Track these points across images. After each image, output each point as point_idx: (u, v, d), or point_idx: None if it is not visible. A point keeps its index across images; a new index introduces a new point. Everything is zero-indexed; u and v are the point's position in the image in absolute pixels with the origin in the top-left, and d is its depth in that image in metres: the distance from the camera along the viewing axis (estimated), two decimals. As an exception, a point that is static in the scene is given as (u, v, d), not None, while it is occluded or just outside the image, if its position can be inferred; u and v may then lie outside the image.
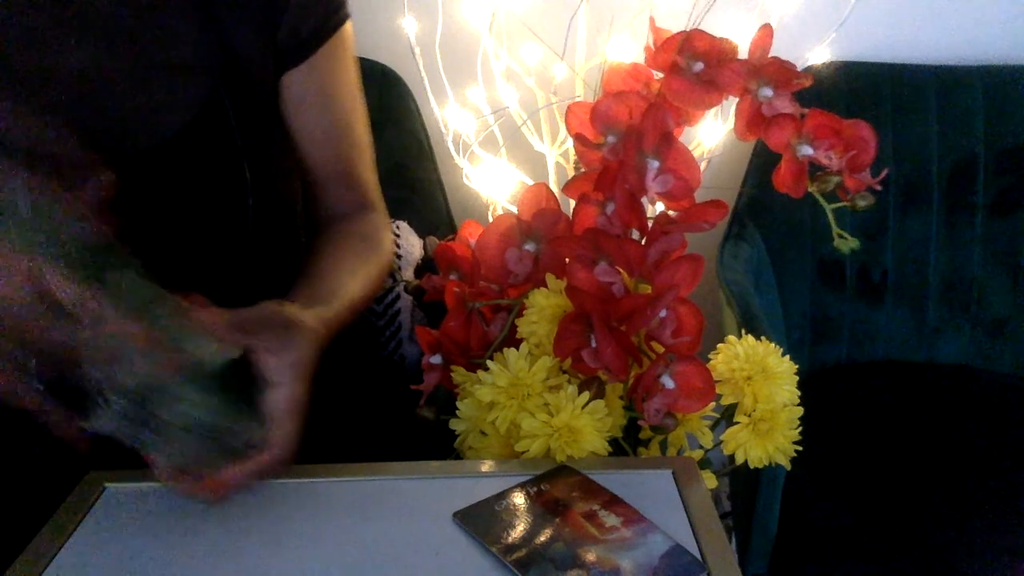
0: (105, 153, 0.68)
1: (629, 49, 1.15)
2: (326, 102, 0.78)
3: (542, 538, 0.52)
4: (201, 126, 0.70)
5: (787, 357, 0.71)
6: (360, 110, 0.82)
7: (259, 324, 0.56)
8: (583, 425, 0.62)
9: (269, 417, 0.54)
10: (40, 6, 0.65)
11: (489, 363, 0.67)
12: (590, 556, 0.50)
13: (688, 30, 0.70)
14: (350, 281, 0.72)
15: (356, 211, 0.82)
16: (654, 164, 0.68)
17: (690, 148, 0.71)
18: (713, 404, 0.68)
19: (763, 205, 1.36)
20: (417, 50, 1.24)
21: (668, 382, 0.65)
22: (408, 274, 1.01)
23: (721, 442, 0.70)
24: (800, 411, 0.70)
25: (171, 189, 0.70)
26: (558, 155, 1.26)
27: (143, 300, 0.51)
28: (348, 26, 0.78)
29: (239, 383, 0.54)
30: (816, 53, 1.33)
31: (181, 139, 0.70)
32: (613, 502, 0.55)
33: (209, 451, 0.53)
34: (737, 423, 0.69)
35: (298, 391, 0.55)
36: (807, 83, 0.70)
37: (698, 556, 0.51)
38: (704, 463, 0.71)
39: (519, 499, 0.55)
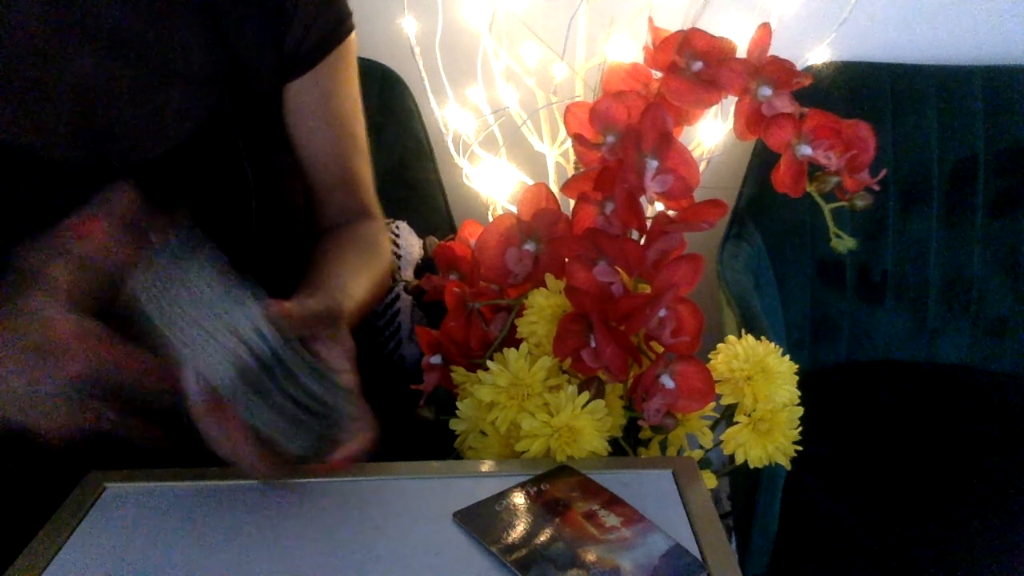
0: (110, 162, 0.68)
1: (629, 49, 1.15)
2: (330, 111, 0.78)
3: (542, 538, 0.52)
4: (206, 135, 0.70)
5: (787, 357, 0.71)
6: (361, 118, 0.82)
7: (327, 315, 0.57)
8: (583, 425, 0.62)
9: (350, 399, 0.55)
10: (47, 15, 0.65)
11: (489, 363, 0.67)
12: (590, 556, 0.50)
13: (687, 30, 0.70)
14: (356, 284, 0.72)
15: (357, 218, 0.83)
16: (653, 164, 0.68)
17: (690, 148, 0.71)
18: (713, 404, 0.68)
19: (763, 205, 1.36)
20: (417, 50, 1.24)
21: (668, 382, 0.65)
22: (408, 274, 1.01)
23: (721, 442, 0.70)
24: (800, 411, 0.70)
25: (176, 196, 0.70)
26: (558, 155, 1.26)
27: (218, 309, 0.52)
28: (352, 37, 0.79)
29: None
30: (816, 53, 1.33)
31: (186, 148, 0.70)
32: (613, 502, 0.55)
33: (315, 430, 0.53)
34: (737, 423, 0.69)
35: (356, 377, 0.57)
36: (807, 83, 0.70)
37: (698, 556, 0.51)
38: (704, 463, 0.71)
39: (519, 499, 0.55)
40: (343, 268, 0.74)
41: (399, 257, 1.02)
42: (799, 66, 1.24)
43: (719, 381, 0.69)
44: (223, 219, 0.74)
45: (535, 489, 0.57)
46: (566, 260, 0.71)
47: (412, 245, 1.05)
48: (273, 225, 0.77)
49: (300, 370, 0.53)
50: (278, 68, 0.74)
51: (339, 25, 0.77)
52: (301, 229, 0.85)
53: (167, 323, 0.50)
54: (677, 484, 0.58)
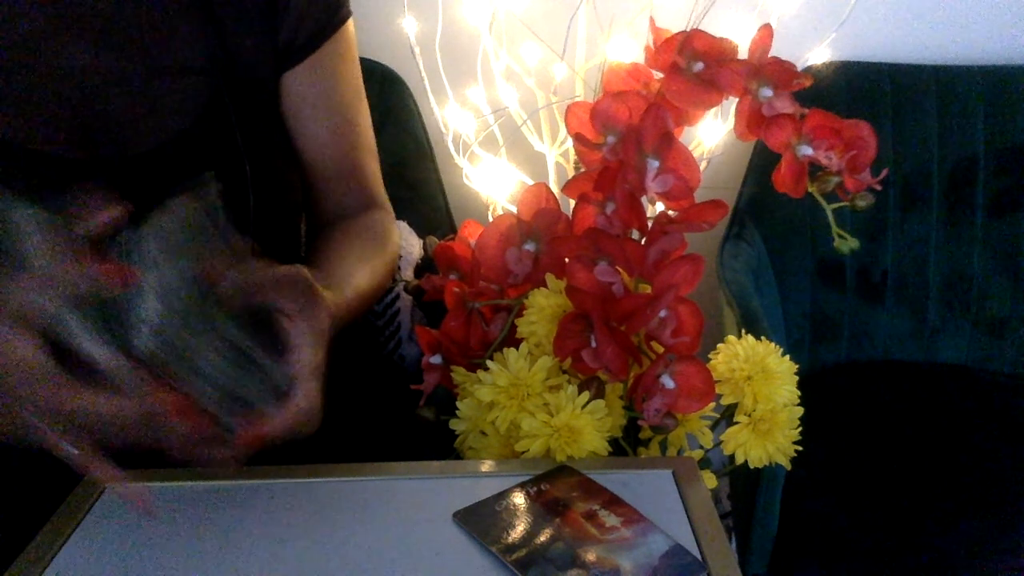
0: (106, 155, 0.68)
1: (629, 49, 1.15)
2: (329, 101, 0.78)
3: (542, 538, 0.52)
4: (202, 127, 0.70)
5: (787, 357, 0.71)
6: (363, 109, 0.82)
7: (290, 286, 0.54)
8: (583, 425, 0.62)
9: (291, 376, 0.53)
10: (41, 8, 0.65)
11: (489, 363, 0.67)
12: (590, 556, 0.50)
13: (688, 30, 0.70)
14: (358, 273, 0.72)
15: (362, 209, 0.82)
16: (654, 164, 0.68)
17: (690, 148, 0.71)
18: (713, 404, 0.68)
19: (763, 205, 1.36)
20: (417, 50, 1.24)
21: (668, 382, 0.65)
22: (408, 274, 1.01)
23: (721, 442, 0.70)
24: (800, 411, 0.70)
25: (189, 188, 0.70)
26: (558, 155, 1.26)
27: (180, 251, 0.49)
28: (349, 25, 0.78)
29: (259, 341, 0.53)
30: (816, 53, 1.33)
31: (182, 140, 0.70)
32: (613, 502, 0.55)
33: (235, 391, 0.51)
34: (737, 423, 0.69)
35: (318, 356, 0.53)
36: (807, 83, 0.70)
37: (698, 556, 0.51)
38: (704, 463, 0.71)
39: (519, 499, 0.55)
40: (344, 258, 0.74)
41: (399, 257, 1.02)
42: (799, 66, 1.24)
43: (719, 381, 0.69)
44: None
45: (535, 489, 0.57)
46: (566, 260, 0.71)
47: (412, 245, 1.05)
48: (271, 219, 0.77)
49: (213, 341, 0.50)
50: (274, 58, 0.74)
51: (335, 13, 0.76)
52: (300, 223, 0.85)
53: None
54: (677, 484, 0.58)
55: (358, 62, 0.81)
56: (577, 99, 1.03)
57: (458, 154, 1.27)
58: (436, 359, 0.75)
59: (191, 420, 0.49)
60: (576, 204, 0.73)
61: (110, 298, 0.48)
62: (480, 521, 0.53)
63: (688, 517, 0.55)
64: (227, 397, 0.51)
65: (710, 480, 0.68)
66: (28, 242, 0.47)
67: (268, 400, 0.52)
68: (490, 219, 1.13)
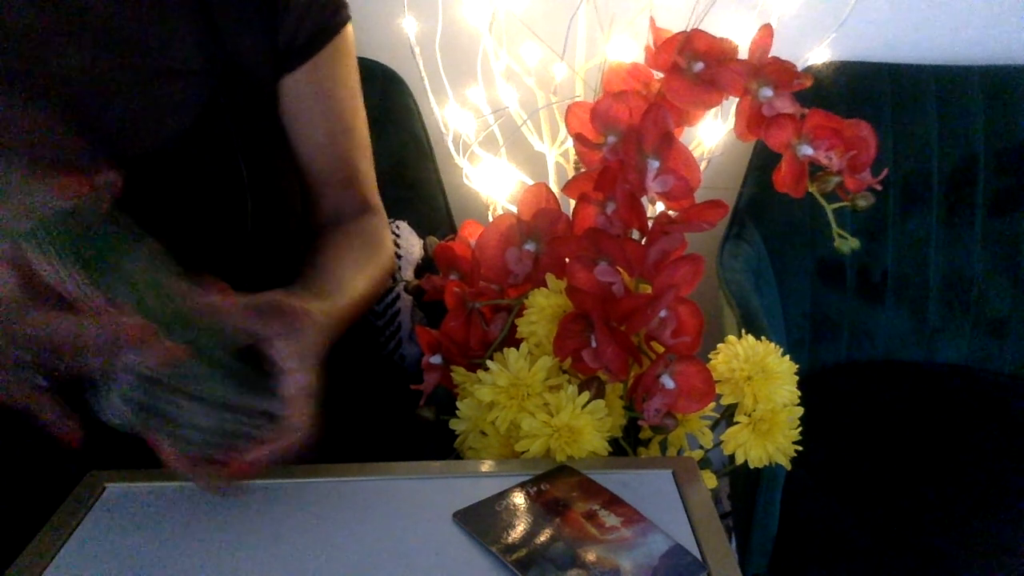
0: (103, 156, 0.68)
1: (629, 49, 1.15)
2: (326, 105, 0.78)
3: (542, 538, 0.52)
4: (200, 130, 0.70)
5: (787, 357, 0.71)
6: (361, 112, 0.82)
7: (268, 311, 0.55)
8: (583, 425, 0.62)
9: (284, 401, 0.53)
10: (39, 9, 0.65)
11: (489, 363, 0.67)
12: (590, 556, 0.50)
13: (688, 30, 0.70)
14: (353, 278, 0.72)
15: (357, 213, 0.82)
16: (654, 164, 0.68)
17: (690, 148, 0.71)
18: (713, 404, 0.68)
19: (763, 205, 1.36)
20: (417, 50, 1.24)
21: (668, 382, 0.65)
22: (408, 274, 1.01)
23: (721, 442, 0.70)
24: (800, 411, 0.70)
25: (170, 192, 0.70)
26: (558, 155, 1.26)
27: (151, 283, 0.50)
28: (348, 28, 0.78)
29: (251, 370, 0.54)
30: (816, 53, 1.33)
31: (180, 143, 0.70)
32: (613, 502, 0.55)
33: (224, 432, 0.52)
34: (737, 423, 0.69)
35: (308, 379, 0.54)
36: (807, 83, 0.70)
37: (698, 556, 0.51)
38: (704, 463, 0.71)
39: (519, 499, 0.55)
40: (340, 264, 0.74)
41: (399, 257, 1.02)
42: (799, 66, 1.24)
43: (719, 381, 0.69)
44: (218, 216, 0.73)
45: (535, 489, 0.57)
46: (567, 260, 0.71)
47: (412, 245, 1.05)
48: (269, 223, 0.77)
49: (199, 376, 0.51)
50: (272, 62, 0.74)
51: (334, 16, 0.76)
52: (297, 227, 0.85)
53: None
54: (677, 484, 0.58)
55: (356, 65, 0.81)
56: (577, 99, 1.03)
57: (458, 154, 1.27)
58: (436, 359, 0.75)
59: (149, 344, 0.49)
60: (576, 204, 0.73)
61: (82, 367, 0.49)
62: (480, 521, 0.53)
63: (688, 517, 0.55)
64: (216, 435, 0.52)
65: (710, 480, 0.68)
66: None
67: (262, 428, 0.53)
68: (490, 219, 1.13)
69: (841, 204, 0.69)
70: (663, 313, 0.65)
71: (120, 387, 0.49)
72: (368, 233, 0.81)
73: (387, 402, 0.88)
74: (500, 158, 1.27)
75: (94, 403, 0.50)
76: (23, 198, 0.48)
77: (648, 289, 0.68)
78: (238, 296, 0.55)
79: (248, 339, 0.53)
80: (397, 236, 1.05)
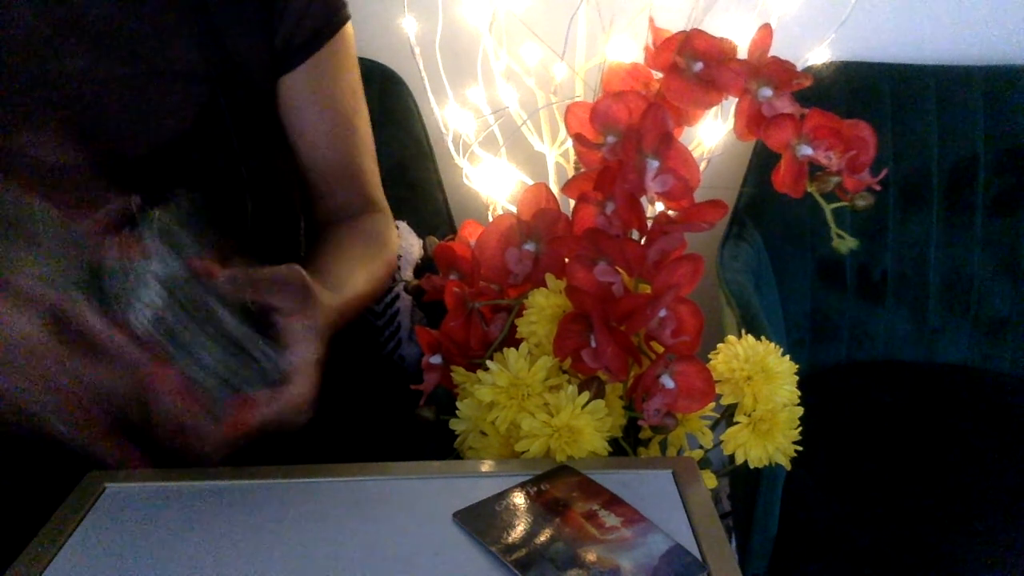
0: (103, 158, 0.68)
1: (629, 49, 1.15)
2: (327, 104, 0.78)
3: (542, 538, 0.52)
4: (199, 131, 0.70)
5: (787, 357, 0.71)
6: (362, 111, 0.82)
7: (286, 285, 0.55)
8: (583, 425, 0.62)
9: (288, 367, 0.54)
10: (39, 12, 0.65)
11: (489, 363, 0.67)
12: (590, 556, 0.50)
13: (688, 30, 0.70)
14: (356, 274, 0.72)
15: (360, 211, 0.82)
16: (654, 164, 0.68)
17: (690, 148, 0.71)
18: (713, 404, 0.68)
19: (763, 205, 1.36)
20: (417, 50, 1.24)
21: (668, 382, 0.65)
22: (408, 274, 1.01)
23: (721, 442, 0.70)
24: (800, 411, 0.70)
25: (169, 193, 0.70)
26: (558, 155, 1.26)
27: (178, 253, 0.51)
28: (348, 28, 0.78)
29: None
30: (816, 53, 1.33)
31: (180, 144, 0.70)
32: (613, 502, 0.55)
33: (229, 375, 0.52)
34: (737, 423, 0.69)
35: (315, 353, 0.54)
36: (807, 83, 0.70)
37: (698, 556, 0.51)
38: (704, 463, 0.71)
39: (519, 499, 0.55)
40: (342, 260, 0.74)
41: (399, 257, 1.02)
42: (799, 66, 1.24)
43: (719, 381, 0.69)
44: (217, 216, 0.73)
45: (535, 489, 0.57)
46: (566, 260, 0.71)
47: (412, 245, 1.05)
48: (269, 223, 0.77)
49: (210, 330, 0.51)
50: (271, 62, 0.74)
51: (332, 16, 0.76)
52: (299, 225, 0.85)
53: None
54: (677, 484, 0.58)
55: (357, 65, 0.81)
56: (577, 99, 1.03)
57: (458, 154, 1.27)
58: (436, 359, 0.75)
59: (182, 396, 0.49)
60: (576, 204, 0.73)
61: (113, 277, 0.49)
62: (480, 521, 0.53)
63: (688, 517, 0.55)
64: (220, 382, 0.52)
65: (710, 480, 0.68)
66: (36, 224, 0.48)
67: (260, 388, 0.53)
68: (490, 219, 1.13)
69: (840, 204, 0.69)
70: (663, 313, 0.65)
71: (146, 297, 0.50)
72: (371, 230, 0.81)
73: (387, 402, 0.88)
74: (500, 158, 1.27)
75: (118, 305, 0.49)
76: (62, 246, 0.49)
77: (648, 289, 0.68)
78: (254, 267, 0.55)
79: (263, 306, 0.54)
80: (397, 236, 1.05)
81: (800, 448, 0.69)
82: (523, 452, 0.63)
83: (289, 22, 0.73)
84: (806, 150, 0.68)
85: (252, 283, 0.54)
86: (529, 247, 0.74)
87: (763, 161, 1.37)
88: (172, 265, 0.51)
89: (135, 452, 0.52)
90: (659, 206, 0.72)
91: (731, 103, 0.71)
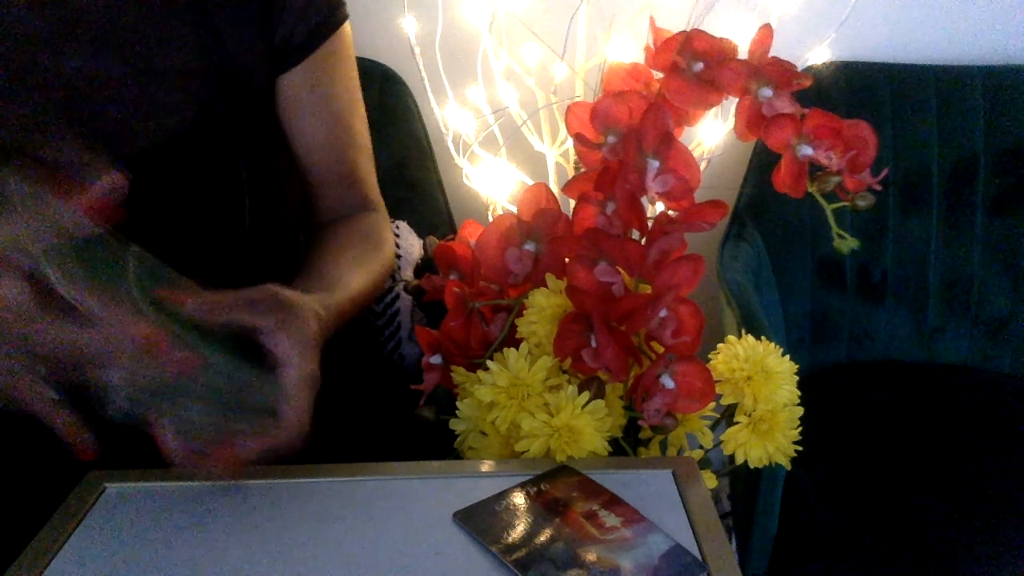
0: (102, 157, 0.68)
1: (629, 49, 1.15)
2: (325, 103, 0.78)
3: (542, 538, 0.52)
4: (198, 129, 0.70)
5: (787, 357, 0.71)
6: (360, 111, 0.82)
7: (264, 303, 0.55)
8: (583, 425, 0.62)
9: (281, 393, 0.53)
10: (37, 10, 0.65)
11: (489, 363, 0.67)
12: (590, 556, 0.50)
13: (688, 30, 0.70)
14: (351, 274, 0.72)
15: (357, 211, 0.82)
16: (654, 164, 0.68)
17: (690, 148, 0.71)
18: (713, 404, 0.68)
19: (763, 205, 1.36)
20: (417, 50, 1.24)
21: (668, 382, 0.65)
22: (408, 274, 1.01)
23: (721, 442, 0.70)
24: (800, 411, 0.70)
25: (168, 191, 0.70)
26: (558, 155, 1.26)
27: (147, 290, 0.50)
28: (346, 27, 0.78)
29: (250, 364, 0.54)
30: (816, 53, 1.33)
31: (177, 142, 0.70)
32: (613, 502, 0.55)
33: (225, 428, 0.52)
34: (737, 423, 0.69)
35: (308, 369, 0.54)
36: (807, 83, 0.70)
37: (698, 556, 0.51)
38: (704, 463, 0.71)
39: (519, 499, 0.55)
40: (338, 260, 0.74)
41: (399, 257, 1.02)
42: (799, 66, 1.25)
43: (719, 381, 0.69)
44: (216, 215, 0.74)
45: (535, 489, 0.57)
46: (567, 260, 0.71)
47: (412, 245, 1.05)
48: (267, 222, 0.77)
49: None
50: (269, 61, 0.74)
51: (331, 15, 0.76)
52: (296, 226, 0.85)
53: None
54: (677, 484, 0.58)
55: (355, 64, 0.81)
56: (577, 99, 1.03)
57: (458, 154, 1.27)
58: (436, 359, 0.75)
59: (164, 354, 0.49)
60: (576, 204, 0.73)
61: (91, 249, 0.49)
62: (480, 521, 0.53)
63: (688, 517, 0.55)
64: (213, 425, 0.52)
65: (710, 480, 0.68)
66: (12, 190, 0.48)
67: (260, 419, 0.53)
68: (490, 219, 1.13)
69: (841, 204, 0.69)
70: (663, 313, 0.65)
71: (124, 387, 0.50)
72: (368, 230, 0.81)
73: (387, 402, 0.88)
74: (500, 158, 1.27)
75: (95, 398, 0.50)
76: (37, 212, 0.48)
77: (648, 289, 0.68)
78: (233, 290, 0.55)
79: (245, 331, 0.53)
80: (397, 236, 1.05)
81: (800, 448, 0.69)
82: (523, 452, 0.63)
83: (288, 21, 0.73)
84: (806, 150, 0.68)
85: (221, 307, 0.53)
86: (529, 247, 0.74)
87: (763, 161, 1.37)
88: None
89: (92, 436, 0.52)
90: (659, 206, 0.72)
91: (731, 103, 0.71)
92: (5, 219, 0.48)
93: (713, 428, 0.72)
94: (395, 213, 1.01)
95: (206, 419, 0.52)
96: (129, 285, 0.50)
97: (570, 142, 1.10)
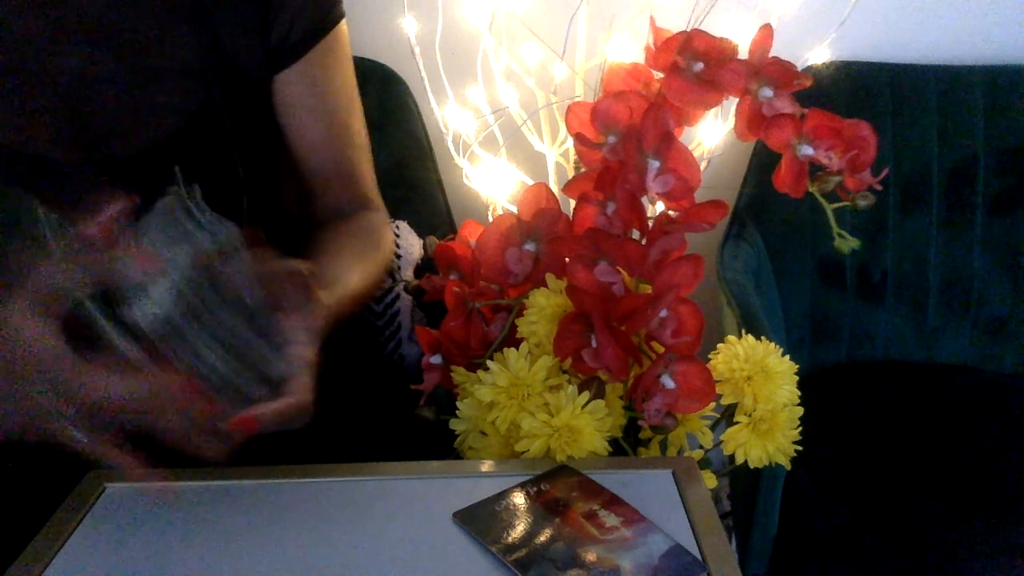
0: (99, 156, 0.68)
1: (629, 49, 1.15)
2: (321, 102, 0.78)
3: (542, 538, 0.52)
4: (195, 128, 0.70)
5: (787, 357, 0.71)
6: (357, 110, 0.82)
7: (288, 279, 0.56)
8: (583, 425, 0.62)
9: (286, 368, 0.54)
10: (34, 10, 0.65)
11: (489, 363, 0.67)
12: (590, 556, 0.50)
13: (688, 30, 0.70)
14: (350, 272, 0.72)
15: (355, 210, 0.82)
16: (654, 164, 0.68)
17: (690, 148, 0.71)
18: (713, 404, 0.68)
19: (763, 205, 1.36)
20: (417, 50, 1.24)
21: (668, 382, 0.65)
22: (408, 274, 1.01)
23: (721, 442, 0.70)
24: (800, 411, 0.70)
25: (166, 191, 0.70)
26: (558, 155, 1.26)
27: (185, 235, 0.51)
28: (342, 26, 0.78)
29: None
30: (816, 53, 1.33)
31: (175, 141, 0.70)
32: (613, 502, 0.55)
33: (232, 377, 0.52)
34: (737, 423, 0.69)
35: (313, 353, 0.54)
36: (807, 83, 0.70)
37: (698, 556, 0.51)
38: (704, 463, 0.71)
39: (519, 499, 0.55)
40: (336, 258, 0.74)
41: (399, 257, 1.02)
42: (799, 66, 1.24)
43: (719, 381, 0.69)
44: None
45: (535, 489, 0.57)
46: (567, 260, 0.71)
47: (412, 245, 1.05)
48: (265, 221, 0.77)
49: (222, 322, 0.52)
50: (265, 60, 0.74)
51: (327, 14, 0.76)
52: (293, 227, 0.85)
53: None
54: (677, 484, 0.58)
55: (352, 63, 0.81)
56: (577, 99, 1.03)
57: (458, 154, 1.27)
58: (436, 359, 0.75)
59: (195, 402, 0.49)
60: (576, 204, 0.73)
61: (121, 285, 0.49)
62: (480, 521, 0.53)
63: (688, 517, 0.55)
64: (224, 384, 0.52)
65: (710, 480, 0.68)
66: (46, 233, 0.48)
67: (262, 390, 0.53)
68: (490, 219, 1.13)
69: (841, 204, 0.69)
70: (663, 313, 0.65)
71: (155, 295, 0.49)
72: (365, 228, 0.81)
73: (387, 402, 0.88)
74: (500, 158, 1.27)
75: (118, 310, 0.49)
76: (71, 253, 0.49)
77: (648, 289, 0.68)
78: (271, 256, 0.55)
79: (269, 301, 0.54)
80: (397, 236, 1.05)
81: (800, 448, 0.69)
82: (523, 452, 0.63)
83: (284, 20, 0.73)
84: (807, 150, 0.68)
85: (266, 274, 0.54)
86: (529, 247, 0.74)
87: (763, 161, 1.37)
88: (173, 264, 0.50)
89: (140, 456, 0.52)
90: (660, 206, 0.72)
91: (731, 103, 0.71)
92: (42, 264, 0.48)
93: (713, 428, 0.72)
94: (395, 213, 1.01)
95: (219, 363, 0.51)
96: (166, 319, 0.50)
97: (570, 142, 1.10)
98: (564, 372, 0.68)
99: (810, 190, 0.69)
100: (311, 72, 0.76)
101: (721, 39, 0.71)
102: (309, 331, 0.55)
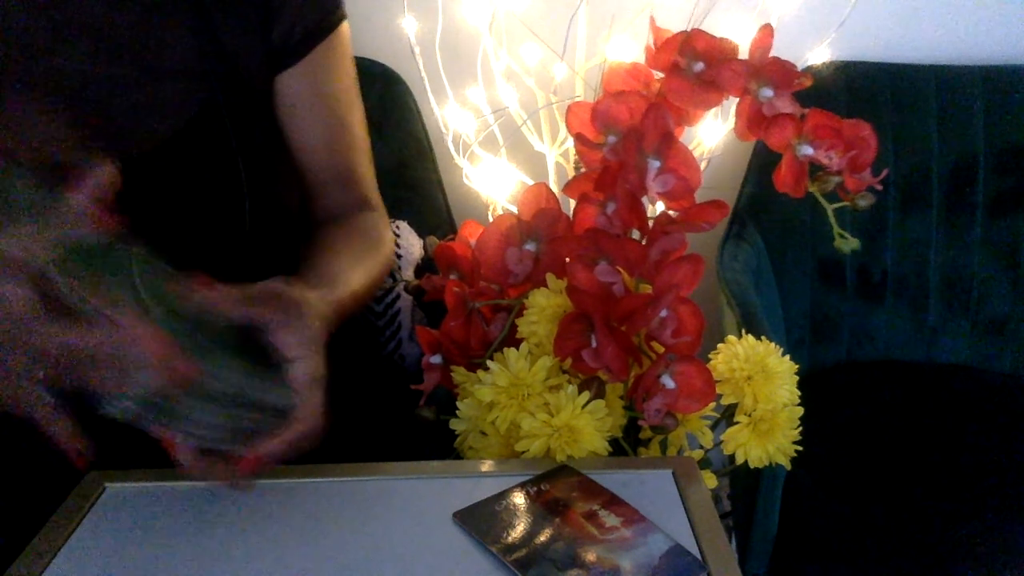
0: (101, 157, 0.68)
1: (629, 49, 1.15)
2: (322, 103, 0.78)
3: (542, 538, 0.52)
4: (197, 129, 0.70)
5: (787, 357, 0.71)
6: (358, 110, 0.82)
7: (266, 299, 0.54)
8: (583, 425, 0.62)
9: (293, 389, 0.53)
10: (36, 11, 0.65)
11: (489, 363, 0.67)
12: (590, 556, 0.50)
13: (688, 30, 0.70)
14: (351, 271, 0.72)
15: (355, 211, 0.82)
16: (655, 164, 0.68)
17: (690, 148, 0.71)
18: (713, 404, 0.68)
19: (763, 205, 1.36)
20: (417, 50, 1.24)
21: (668, 382, 0.65)
22: (408, 274, 1.01)
23: (721, 442, 0.70)
24: (800, 411, 0.70)
25: (167, 192, 0.70)
26: (558, 155, 1.26)
27: (154, 290, 0.50)
28: (344, 26, 0.78)
29: (257, 364, 0.53)
30: (816, 53, 1.33)
31: (177, 142, 0.70)
32: (613, 502, 0.55)
33: (236, 428, 0.52)
34: (737, 423, 0.69)
35: (317, 364, 0.54)
36: (807, 83, 0.70)
37: (698, 556, 0.51)
38: (704, 463, 0.71)
39: (519, 499, 0.55)
40: (337, 258, 0.74)
41: (399, 257, 1.02)
42: (799, 66, 1.24)
43: (719, 381, 0.69)
44: (215, 215, 0.73)
45: (535, 489, 0.57)
46: (567, 260, 0.71)
47: (412, 245, 1.05)
48: (267, 222, 0.77)
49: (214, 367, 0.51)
50: (267, 60, 0.74)
51: (328, 15, 0.76)
52: (295, 226, 0.85)
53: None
54: (677, 484, 0.58)
55: (353, 64, 0.81)
56: (577, 99, 1.03)
57: (458, 154, 1.27)
58: (436, 359, 0.75)
59: (168, 356, 0.49)
60: (576, 204, 0.73)
61: (93, 255, 0.49)
62: (480, 521, 0.53)
63: (688, 517, 0.55)
64: (233, 432, 0.51)
65: (710, 480, 0.68)
66: (17, 195, 0.48)
67: (272, 423, 0.52)
68: (490, 219, 1.13)
69: (841, 204, 0.69)
70: (663, 313, 0.65)
71: (131, 391, 0.49)
72: (366, 228, 0.81)
73: (387, 402, 0.88)
74: (500, 158, 1.27)
75: (100, 400, 0.49)
76: (41, 217, 0.48)
77: (648, 289, 0.68)
78: (235, 287, 0.54)
79: (252, 327, 0.53)
80: (397, 236, 1.05)
81: (800, 448, 0.69)
82: (523, 452, 0.63)
83: (285, 21, 0.73)
84: (807, 150, 0.68)
85: (228, 302, 0.53)
86: (529, 247, 0.74)
87: (763, 161, 1.37)
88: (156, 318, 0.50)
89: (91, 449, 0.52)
90: (660, 206, 0.72)
91: (731, 103, 0.71)
92: (10, 225, 0.48)
93: (713, 428, 0.72)
94: (395, 213, 1.01)
95: (218, 420, 0.51)
96: (135, 286, 0.49)
97: (570, 142, 1.10)
98: (564, 372, 0.68)
99: (810, 190, 0.69)
100: (312, 73, 0.76)
101: (721, 39, 0.71)
102: (306, 341, 0.54)
